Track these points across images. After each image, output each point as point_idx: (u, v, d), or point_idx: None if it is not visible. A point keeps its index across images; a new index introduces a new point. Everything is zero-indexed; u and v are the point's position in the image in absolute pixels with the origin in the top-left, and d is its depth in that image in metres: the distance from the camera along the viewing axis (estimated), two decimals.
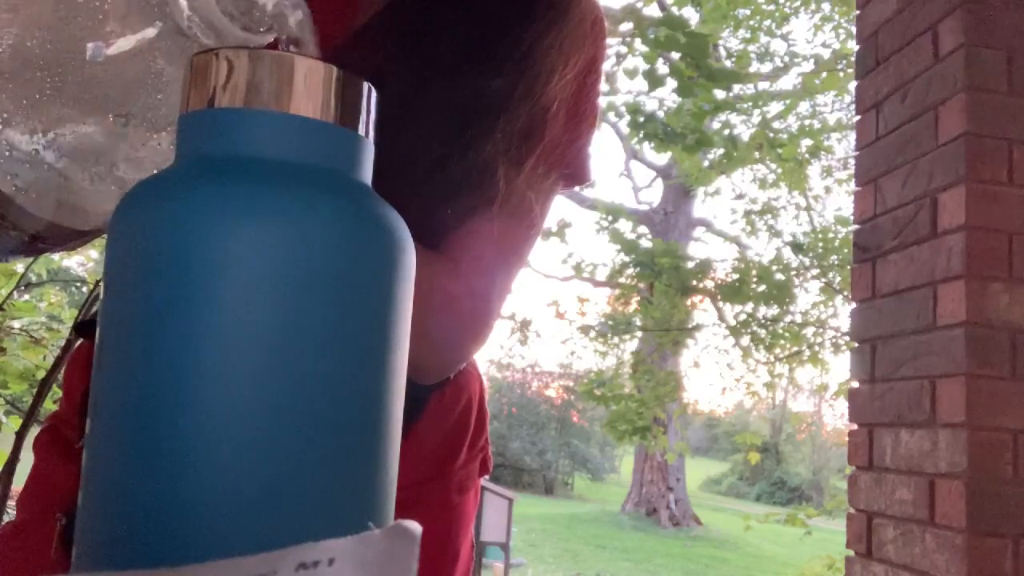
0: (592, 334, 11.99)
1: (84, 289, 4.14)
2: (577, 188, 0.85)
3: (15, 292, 3.37)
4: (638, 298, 10.32)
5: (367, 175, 0.34)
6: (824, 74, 10.72)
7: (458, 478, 0.83)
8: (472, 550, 0.84)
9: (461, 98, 0.71)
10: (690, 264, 9.34)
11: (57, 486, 0.75)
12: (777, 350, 9.99)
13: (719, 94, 6.69)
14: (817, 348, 9.78)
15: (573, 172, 0.81)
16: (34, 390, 2.95)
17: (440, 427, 0.80)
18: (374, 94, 0.34)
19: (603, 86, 0.88)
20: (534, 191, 0.76)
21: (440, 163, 0.70)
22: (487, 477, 0.88)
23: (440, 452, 0.81)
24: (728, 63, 10.37)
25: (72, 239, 0.53)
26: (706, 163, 10.21)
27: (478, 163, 0.71)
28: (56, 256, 3.39)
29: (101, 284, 0.31)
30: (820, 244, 9.55)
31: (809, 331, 9.99)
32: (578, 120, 0.80)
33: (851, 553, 2.29)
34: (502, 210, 0.73)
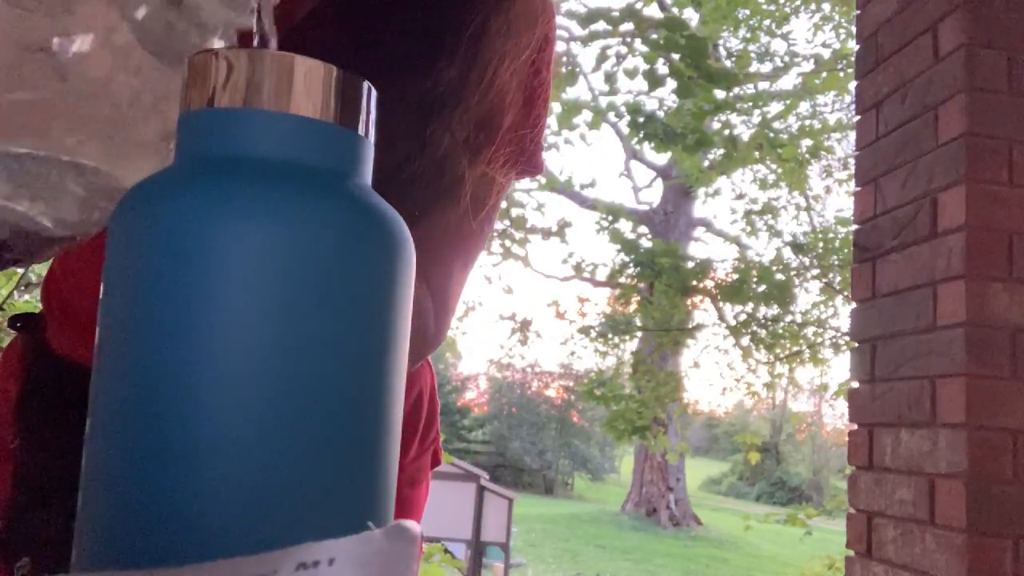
0: (592, 334, 11.99)
1: None
2: (528, 179, 0.83)
3: (15, 292, 3.37)
4: (638, 298, 10.33)
5: (367, 175, 0.34)
6: (824, 74, 10.73)
7: (409, 472, 0.83)
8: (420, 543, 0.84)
9: (416, 92, 0.69)
10: (690, 264, 9.35)
11: None
12: (777, 350, 10.00)
13: (719, 94, 6.70)
14: (817, 348, 9.79)
15: (528, 161, 0.79)
16: None
17: None
18: (374, 94, 0.34)
19: (555, 68, 0.85)
20: (492, 183, 0.74)
21: (403, 161, 0.68)
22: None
23: None
24: (728, 63, 10.38)
25: (42, 248, 0.49)
26: (706, 163, 10.22)
27: (438, 157, 0.69)
28: None
29: (101, 284, 0.31)
30: (820, 244, 9.56)
31: (809, 331, 10.00)
32: (532, 105, 0.77)
33: (851, 553, 2.29)
34: (460, 205, 0.71)
